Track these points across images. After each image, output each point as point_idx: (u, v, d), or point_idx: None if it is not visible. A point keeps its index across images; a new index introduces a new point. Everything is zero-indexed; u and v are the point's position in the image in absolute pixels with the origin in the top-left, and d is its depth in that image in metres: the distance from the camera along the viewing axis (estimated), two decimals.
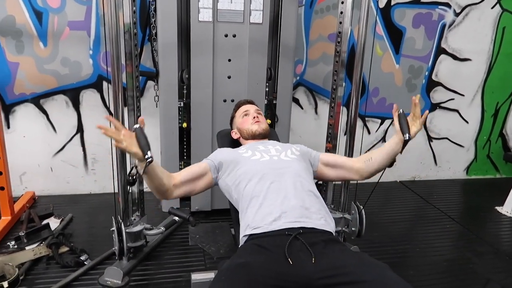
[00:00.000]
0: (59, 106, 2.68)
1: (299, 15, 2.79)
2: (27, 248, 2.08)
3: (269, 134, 1.85)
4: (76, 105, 2.71)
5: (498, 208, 3.01)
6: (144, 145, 1.31)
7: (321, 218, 1.41)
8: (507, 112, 3.56)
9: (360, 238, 2.09)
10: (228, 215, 1.86)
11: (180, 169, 2.56)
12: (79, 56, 2.61)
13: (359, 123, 3.13)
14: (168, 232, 2.34)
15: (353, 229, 2.07)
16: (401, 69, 3.19)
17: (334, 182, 2.22)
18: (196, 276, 1.67)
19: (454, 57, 3.25)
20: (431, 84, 3.29)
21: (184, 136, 2.50)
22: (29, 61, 2.54)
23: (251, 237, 1.37)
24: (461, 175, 3.66)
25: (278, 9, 2.40)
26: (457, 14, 3.14)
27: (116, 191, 1.90)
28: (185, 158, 2.54)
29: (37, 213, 2.46)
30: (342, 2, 1.94)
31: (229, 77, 2.37)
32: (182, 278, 1.98)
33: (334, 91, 2.08)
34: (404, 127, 1.47)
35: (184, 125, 2.44)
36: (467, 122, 3.48)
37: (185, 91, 2.40)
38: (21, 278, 1.88)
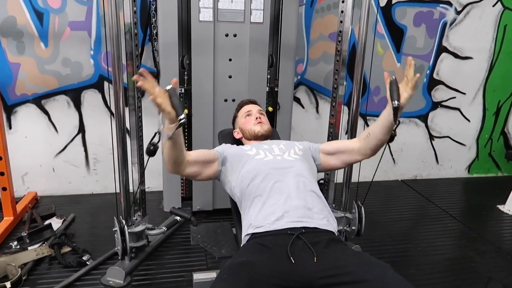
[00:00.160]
0: (60, 107, 2.68)
1: (299, 14, 2.79)
2: (29, 248, 2.09)
3: (271, 135, 1.85)
4: (78, 105, 2.71)
5: (500, 207, 3.00)
6: (178, 105, 1.26)
7: (324, 218, 1.41)
8: (509, 111, 3.55)
9: (362, 238, 2.09)
10: (230, 214, 1.86)
11: None
12: (80, 57, 2.61)
13: (360, 122, 3.13)
14: (169, 232, 2.34)
15: (353, 228, 2.07)
16: (402, 67, 3.18)
17: (335, 181, 2.22)
18: (197, 276, 1.67)
19: (456, 56, 3.25)
20: (432, 83, 3.28)
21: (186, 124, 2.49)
22: (30, 61, 2.55)
23: (253, 236, 1.38)
24: (463, 173, 3.66)
25: (279, 8, 2.40)
26: (458, 13, 3.14)
27: (118, 191, 1.90)
28: (186, 141, 2.52)
29: (39, 214, 2.47)
30: (343, 1, 1.94)
31: (230, 77, 2.37)
32: (184, 277, 1.99)
33: (335, 90, 2.08)
34: (394, 94, 1.38)
35: (185, 111, 2.42)
36: (468, 120, 3.48)
37: (185, 78, 2.38)
38: (23, 278, 1.89)
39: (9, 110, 2.61)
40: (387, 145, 3.36)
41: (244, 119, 1.84)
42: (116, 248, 1.87)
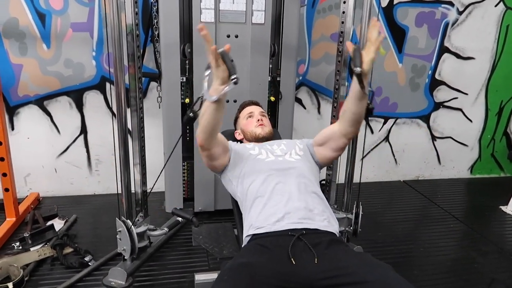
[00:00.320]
0: (62, 108, 2.69)
1: (301, 15, 2.79)
2: (31, 249, 2.09)
3: (273, 136, 1.85)
4: (80, 106, 2.72)
5: (503, 207, 2.99)
6: (231, 65, 1.25)
7: (325, 220, 1.41)
8: (511, 111, 3.54)
9: (364, 238, 2.09)
10: (231, 215, 1.86)
11: (184, 169, 2.58)
12: (82, 58, 2.62)
13: (362, 122, 3.13)
14: (171, 233, 2.34)
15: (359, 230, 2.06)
16: (404, 68, 3.18)
17: (337, 182, 2.21)
18: (199, 277, 1.67)
19: (458, 56, 3.24)
20: (434, 83, 3.28)
21: (187, 110, 2.49)
22: (33, 63, 2.56)
23: (254, 237, 1.38)
24: (465, 174, 3.64)
25: (280, 9, 2.40)
26: (460, 13, 3.13)
27: (120, 191, 1.91)
28: (188, 139, 2.53)
29: (42, 214, 2.47)
30: (344, 2, 1.94)
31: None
32: (186, 278, 1.99)
33: (336, 90, 2.08)
34: (357, 61, 1.30)
35: (187, 100, 2.42)
36: (471, 121, 3.47)
37: (187, 66, 2.37)
38: (26, 279, 1.89)
39: (12, 111, 2.62)
40: (389, 146, 3.36)
41: (245, 120, 1.84)
42: (121, 249, 1.87)
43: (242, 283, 1.14)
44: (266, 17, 2.31)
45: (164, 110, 2.43)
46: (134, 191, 2.04)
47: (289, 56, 2.46)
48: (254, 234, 1.38)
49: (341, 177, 2.18)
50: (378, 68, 3.03)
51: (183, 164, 2.56)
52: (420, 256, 2.32)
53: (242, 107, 1.93)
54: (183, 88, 2.39)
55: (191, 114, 1.35)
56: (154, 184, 1.88)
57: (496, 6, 3.17)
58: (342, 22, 1.97)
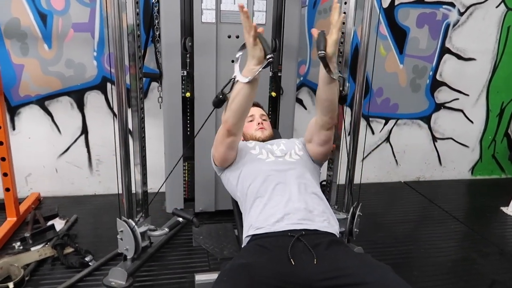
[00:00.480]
0: (63, 108, 2.70)
1: (302, 16, 2.79)
2: (32, 249, 2.09)
3: (273, 137, 1.85)
4: (81, 106, 2.72)
5: (504, 209, 2.99)
6: (267, 45, 1.26)
7: (325, 221, 1.41)
8: None
9: (364, 239, 2.09)
10: (232, 216, 1.86)
11: (184, 169, 2.58)
12: (83, 58, 2.62)
13: (363, 123, 3.13)
14: (172, 233, 2.35)
15: (355, 230, 2.06)
16: (405, 69, 3.18)
17: (337, 183, 2.21)
18: (200, 277, 1.67)
19: (459, 57, 3.24)
20: (435, 84, 3.28)
21: (188, 106, 2.49)
22: (34, 63, 2.56)
23: (253, 237, 1.38)
24: (466, 175, 3.64)
25: (281, 10, 2.40)
26: (461, 14, 3.13)
27: (121, 192, 1.91)
28: (189, 134, 2.53)
29: (42, 214, 2.48)
30: (345, 3, 1.94)
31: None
32: (186, 279, 1.99)
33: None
34: (320, 44, 1.29)
35: (188, 94, 2.42)
36: (472, 122, 3.46)
37: (188, 60, 2.37)
38: (26, 279, 1.89)
39: (13, 111, 2.63)
40: (390, 146, 3.36)
41: (246, 123, 1.84)
42: (124, 249, 1.87)
43: (242, 283, 1.14)
44: (267, 18, 2.31)
45: (165, 110, 2.44)
46: (134, 191, 2.04)
47: (290, 57, 2.46)
48: (254, 235, 1.38)
49: (342, 178, 2.18)
50: (379, 69, 3.03)
51: (184, 164, 2.56)
52: (421, 257, 2.32)
53: None
54: (183, 82, 2.40)
55: (220, 96, 1.35)
56: (162, 185, 1.88)
57: (497, 7, 3.17)
58: (343, 23, 1.97)
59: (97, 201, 2.81)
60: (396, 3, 2.99)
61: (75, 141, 2.78)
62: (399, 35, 3.08)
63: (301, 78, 3.00)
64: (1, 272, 1.88)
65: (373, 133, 3.29)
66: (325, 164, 1.92)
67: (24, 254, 2.01)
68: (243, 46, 1.33)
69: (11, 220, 2.35)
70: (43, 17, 2.50)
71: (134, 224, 1.85)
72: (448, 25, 3.13)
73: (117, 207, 1.90)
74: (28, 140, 2.70)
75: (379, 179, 3.42)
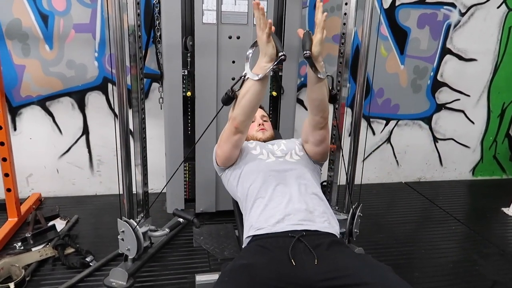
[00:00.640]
0: (65, 108, 2.70)
1: (303, 16, 2.79)
2: (33, 249, 2.10)
3: (274, 138, 1.85)
4: (82, 107, 2.73)
5: (505, 209, 2.98)
6: (279, 43, 1.27)
7: (325, 221, 1.41)
8: None
9: (365, 240, 2.09)
10: (233, 216, 1.86)
11: (185, 170, 2.58)
12: (84, 59, 2.63)
13: (364, 124, 3.12)
14: (172, 234, 2.35)
15: (355, 230, 2.06)
16: (406, 69, 3.18)
17: (338, 183, 2.21)
18: (200, 278, 1.67)
19: (460, 58, 3.23)
20: (436, 85, 3.27)
21: (188, 105, 2.49)
22: (35, 63, 2.56)
23: (254, 238, 1.38)
24: (467, 176, 3.64)
25: (282, 10, 2.40)
26: (462, 14, 3.13)
27: (121, 192, 1.91)
28: (189, 133, 2.53)
29: (43, 215, 2.48)
30: (346, 3, 1.94)
31: (233, 79, 2.37)
32: (187, 279, 1.99)
33: (338, 92, 2.08)
34: (306, 44, 1.30)
35: (188, 93, 2.42)
36: (473, 122, 3.46)
37: (189, 59, 2.37)
38: (27, 279, 1.89)
39: (14, 111, 2.63)
40: (391, 147, 3.36)
41: None
42: (126, 249, 1.88)
43: (242, 284, 1.14)
44: (268, 19, 2.30)
45: (165, 111, 2.44)
46: (135, 192, 2.04)
47: (291, 57, 2.46)
48: (254, 235, 1.38)
49: (342, 179, 2.18)
50: (379, 69, 3.03)
51: (185, 165, 2.56)
52: (422, 258, 2.31)
53: None
54: (184, 81, 2.40)
55: (230, 94, 1.35)
56: (165, 187, 1.88)
57: (498, 7, 3.17)
58: (344, 24, 1.97)
59: (98, 201, 2.81)
60: (397, 3, 2.99)
61: (76, 141, 2.78)
62: (400, 36, 3.08)
63: (302, 79, 3.00)
64: (2, 272, 1.88)
65: (374, 133, 3.28)
66: (326, 164, 1.92)
67: (25, 255, 2.02)
68: (254, 44, 1.33)
69: (12, 220, 2.35)
70: (44, 18, 2.51)
71: (136, 224, 1.85)
72: (449, 26, 3.13)
73: (118, 208, 1.90)
74: (29, 141, 2.70)
75: (380, 180, 3.42)
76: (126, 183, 1.92)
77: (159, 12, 2.29)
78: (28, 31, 2.50)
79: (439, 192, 3.29)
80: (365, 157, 3.18)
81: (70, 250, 2.15)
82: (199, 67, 2.32)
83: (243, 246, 1.45)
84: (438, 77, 3.25)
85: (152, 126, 2.57)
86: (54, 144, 2.76)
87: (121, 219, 1.87)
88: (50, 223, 2.36)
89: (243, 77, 1.33)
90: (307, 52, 1.28)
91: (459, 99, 3.36)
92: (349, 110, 2.74)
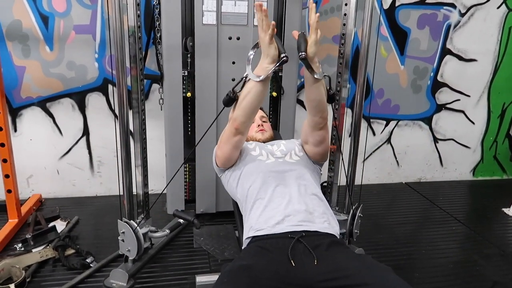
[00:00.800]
0: (65, 109, 2.70)
1: (303, 17, 2.79)
2: (33, 250, 2.10)
3: (274, 139, 1.85)
4: (82, 108, 2.73)
5: (505, 210, 2.98)
6: (281, 44, 1.28)
7: (325, 222, 1.41)
8: None
9: (366, 240, 2.09)
10: (233, 217, 1.86)
11: (185, 171, 2.58)
12: (84, 60, 2.63)
13: (364, 124, 3.13)
14: (173, 235, 2.35)
15: (355, 231, 2.06)
16: (406, 70, 3.18)
17: (338, 184, 2.21)
18: (200, 279, 1.68)
19: (460, 58, 3.24)
20: (436, 85, 3.27)
21: (189, 106, 2.49)
22: (36, 65, 2.57)
23: (254, 239, 1.38)
24: (468, 176, 3.63)
25: (282, 11, 2.40)
26: (462, 15, 3.13)
27: (122, 193, 1.91)
28: (190, 133, 2.53)
29: (44, 216, 2.48)
30: (346, 4, 1.94)
31: (233, 80, 2.37)
32: (187, 280, 1.99)
33: (338, 92, 2.08)
34: (301, 46, 1.30)
35: (188, 94, 2.42)
36: (473, 123, 3.46)
37: (189, 60, 2.37)
38: (27, 280, 1.89)
39: (15, 113, 2.64)
40: (391, 148, 3.36)
41: None
42: (126, 250, 1.88)
43: (242, 285, 1.14)
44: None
45: (166, 111, 2.44)
46: (135, 193, 2.04)
47: (291, 58, 2.44)
48: (254, 236, 1.38)
49: (342, 179, 2.18)
50: (380, 70, 3.03)
51: (185, 165, 2.56)
52: (422, 258, 2.31)
53: None
54: (184, 82, 2.40)
55: (232, 95, 1.36)
56: (165, 188, 1.88)
57: (498, 8, 3.17)
58: (344, 24, 1.97)
59: (98, 202, 2.81)
60: (397, 4, 2.99)
61: (77, 142, 2.79)
62: (400, 36, 3.08)
63: (302, 80, 3.00)
64: (3, 273, 1.88)
65: (374, 134, 3.28)
66: (326, 165, 1.92)
67: (26, 256, 2.02)
68: (256, 46, 1.34)
69: (12, 221, 2.35)
70: (44, 19, 2.51)
71: (136, 225, 1.85)
72: (449, 26, 3.13)
73: (118, 209, 1.90)
74: (29, 142, 2.70)
75: (380, 180, 3.42)
76: (126, 184, 1.92)
77: (159, 13, 2.29)
78: (29, 32, 2.50)
79: (440, 193, 3.29)
80: (365, 157, 3.18)
81: (70, 251, 2.15)
82: (199, 68, 2.33)
83: (242, 247, 1.45)
84: (438, 78, 3.25)
85: (152, 127, 2.58)
86: (55, 145, 2.76)
87: (121, 220, 1.87)
88: (51, 224, 2.36)
89: (244, 78, 1.33)
90: (303, 53, 1.29)
91: (459, 100, 3.36)
92: (349, 110, 2.73)
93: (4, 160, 2.26)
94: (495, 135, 3.56)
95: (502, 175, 3.72)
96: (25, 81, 2.59)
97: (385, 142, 3.34)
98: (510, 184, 3.58)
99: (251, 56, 1.34)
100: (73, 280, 1.92)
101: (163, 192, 1.86)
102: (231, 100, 1.39)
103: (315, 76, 1.35)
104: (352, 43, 2.00)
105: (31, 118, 2.67)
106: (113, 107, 2.74)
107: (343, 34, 1.98)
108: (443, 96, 3.32)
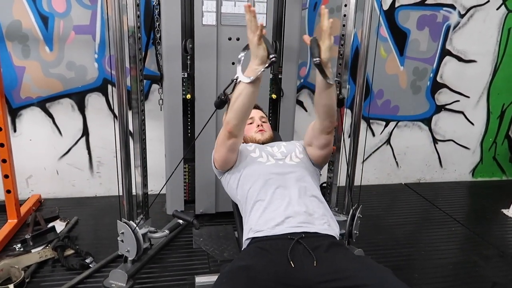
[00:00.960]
0: (64, 110, 2.70)
1: (302, 18, 2.80)
2: (33, 251, 2.09)
3: (273, 139, 1.85)
4: (82, 108, 2.73)
5: (505, 211, 2.98)
6: (270, 45, 1.27)
7: (325, 223, 1.41)
8: None
9: (365, 241, 2.09)
10: (232, 218, 1.86)
11: (185, 171, 2.58)
12: (84, 60, 2.63)
13: (363, 125, 3.13)
14: (172, 235, 2.35)
15: (355, 232, 2.06)
16: (406, 71, 3.18)
17: (338, 185, 2.21)
18: (200, 279, 1.68)
19: (459, 59, 3.24)
20: (436, 86, 3.28)
21: (188, 108, 2.49)
22: (35, 65, 2.57)
23: (253, 240, 1.38)
24: (467, 177, 3.64)
25: (282, 12, 2.40)
26: (462, 16, 3.13)
27: (121, 193, 1.91)
28: (189, 134, 2.53)
29: (43, 216, 2.48)
30: (346, 5, 1.95)
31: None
32: (186, 281, 1.99)
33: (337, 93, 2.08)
34: (315, 51, 1.30)
35: (188, 96, 2.42)
36: (472, 124, 3.46)
37: (189, 62, 2.37)
38: (27, 280, 1.89)
39: (14, 113, 2.63)
40: (391, 148, 3.36)
41: (246, 125, 1.84)
42: (125, 250, 1.88)
43: (241, 285, 1.15)
44: (267, 20, 2.31)
45: (165, 112, 2.44)
46: (135, 193, 2.04)
47: (291, 59, 2.46)
48: (253, 238, 1.38)
49: (342, 180, 2.18)
50: (379, 71, 3.03)
51: (184, 166, 2.56)
52: (421, 259, 2.31)
53: None
54: (184, 84, 2.40)
55: (222, 97, 1.35)
56: (162, 188, 1.88)
57: (497, 9, 3.17)
58: (344, 25, 1.98)
59: (98, 203, 2.81)
60: (397, 5, 2.99)
61: (76, 143, 2.79)
62: (400, 37, 3.08)
63: (302, 80, 3.00)
64: (2, 274, 1.88)
65: (373, 135, 3.28)
66: (326, 165, 1.92)
67: (25, 256, 2.01)
68: (246, 47, 1.34)
69: (12, 222, 2.35)
70: (44, 20, 2.51)
71: (135, 225, 1.85)
72: (448, 27, 3.14)
73: (118, 209, 1.90)
74: (29, 142, 2.70)
75: (379, 181, 3.42)
76: (126, 185, 1.92)
77: (159, 14, 2.29)
78: (28, 32, 2.50)
79: (439, 194, 3.29)
80: (364, 158, 3.18)
81: (69, 251, 2.14)
82: (199, 69, 2.33)
83: (242, 248, 1.45)
84: (438, 79, 3.26)
85: (152, 127, 2.58)
86: (54, 145, 2.76)
87: (120, 220, 1.87)
88: (50, 225, 2.36)
89: (235, 80, 1.33)
90: (317, 59, 1.28)
91: (458, 101, 3.36)
92: (348, 111, 2.74)
93: (4, 160, 2.26)
94: (494, 136, 3.56)
95: (501, 176, 3.72)
96: (25, 81, 2.59)
97: (384, 143, 3.34)
98: (510, 185, 3.58)
99: (242, 58, 1.33)
100: (72, 280, 1.91)
101: (161, 192, 1.86)
102: (222, 102, 1.39)
103: (328, 81, 1.34)
104: (352, 44, 2.00)
105: (31, 118, 2.67)
106: (112, 108, 2.74)
107: (343, 35, 1.99)
108: (443, 97, 3.32)
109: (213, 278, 1.61)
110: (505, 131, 3.57)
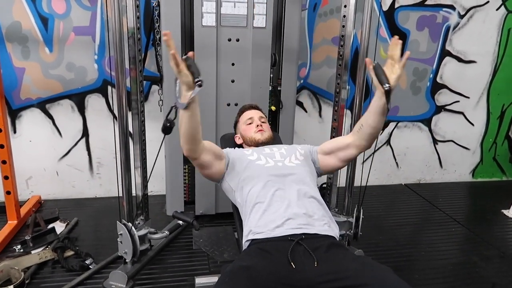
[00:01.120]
0: (64, 111, 2.70)
1: (302, 19, 2.80)
2: (33, 252, 2.09)
3: (273, 141, 1.85)
4: (82, 109, 2.73)
5: (505, 211, 2.98)
6: (195, 69, 1.23)
7: (325, 224, 1.41)
8: None
9: (365, 242, 2.08)
10: (232, 219, 1.86)
11: (185, 173, 2.58)
12: (84, 61, 2.63)
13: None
14: (172, 236, 2.34)
15: (360, 233, 2.06)
16: (406, 71, 3.17)
17: (338, 185, 2.21)
18: (200, 280, 1.68)
19: (459, 60, 3.24)
20: (436, 87, 3.28)
21: None
22: (35, 66, 2.57)
23: (253, 242, 1.38)
24: (467, 178, 3.63)
25: (282, 13, 2.41)
26: (461, 16, 3.13)
27: (121, 195, 1.91)
28: None
29: (43, 217, 2.48)
30: (345, 6, 1.95)
31: (232, 81, 2.38)
32: (186, 282, 1.99)
33: (337, 94, 2.08)
34: (382, 78, 1.33)
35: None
36: (472, 124, 3.46)
37: None
38: (26, 282, 1.89)
39: (14, 114, 2.64)
40: (391, 149, 3.36)
41: (245, 126, 1.84)
42: (123, 252, 1.88)
43: (242, 286, 1.15)
44: (267, 21, 2.31)
45: (165, 112, 2.44)
46: (135, 194, 2.04)
47: (290, 60, 2.46)
48: (253, 239, 1.38)
49: (342, 181, 2.18)
50: None
51: (184, 167, 2.56)
52: (422, 260, 2.31)
53: (242, 111, 1.92)
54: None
55: (167, 124, 1.35)
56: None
57: (497, 9, 3.17)
58: (343, 26, 1.98)
59: (97, 204, 2.81)
60: (396, 5, 3.00)
61: (76, 144, 2.79)
62: (399, 38, 3.07)
63: (302, 81, 3.00)
64: (2, 275, 1.88)
65: None
66: None
67: (25, 257, 2.01)
68: None
69: (11, 223, 2.35)
70: (44, 21, 2.51)
71: (131, 226, 1.84)
72: (448, 28, 3.14)
73: (118, 210, 1.90)
74: (29, 143, 2.70)
75: (379, 182, 3.42)
76: (126, 186, 1.92)
77: (159, 15, 2.30)
78: (28, 33, 2.51)
79: (439, 194, 3.29)
80: (364, 159, 3.18)
81: (69, 252, 2.14)
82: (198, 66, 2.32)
83: (242, 250, 1.45)
84: (438, 79, 3.26)
85: (152, 128, 2.57)
86: (54, 146, 2.76)
87: (120, 221, 1.87)
88: (50, 226, 2.35)
89: (173, 106, 1.32)
90: (388, 86, 1.30)
91: (458, 101, 3.36)
92: (348, 112, 2.73)
93: (4, 162, 2.26)
94: (494, 136, 3.56)
95: (501, 177, 3.72)
96: (25, 82, 2.59)
97: (384, 143, 3.34)
98: (510, 185, 3.58)
99: (178, 84, 1.29)
100: (72, 281, 1.91)
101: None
102: (167, 128, 1.38)
103: (389, 107, 1.36)
104: (352, 45, 2.00)
105: (31, 119, 2.67)
106: (112, 109, 2.74)
107: (343, 36, 1.99)
108: (443, 97, 3.32)
109: (213, 279, 1.62)
110: (505, 131, 3.57)
